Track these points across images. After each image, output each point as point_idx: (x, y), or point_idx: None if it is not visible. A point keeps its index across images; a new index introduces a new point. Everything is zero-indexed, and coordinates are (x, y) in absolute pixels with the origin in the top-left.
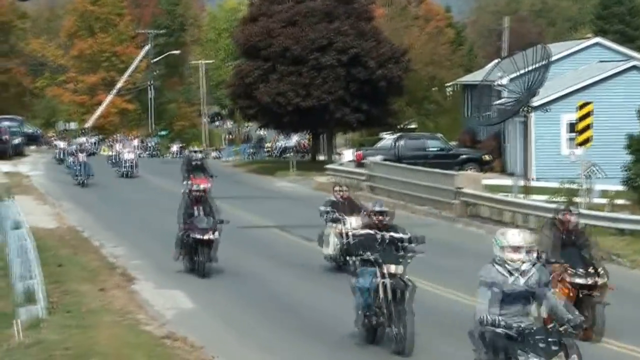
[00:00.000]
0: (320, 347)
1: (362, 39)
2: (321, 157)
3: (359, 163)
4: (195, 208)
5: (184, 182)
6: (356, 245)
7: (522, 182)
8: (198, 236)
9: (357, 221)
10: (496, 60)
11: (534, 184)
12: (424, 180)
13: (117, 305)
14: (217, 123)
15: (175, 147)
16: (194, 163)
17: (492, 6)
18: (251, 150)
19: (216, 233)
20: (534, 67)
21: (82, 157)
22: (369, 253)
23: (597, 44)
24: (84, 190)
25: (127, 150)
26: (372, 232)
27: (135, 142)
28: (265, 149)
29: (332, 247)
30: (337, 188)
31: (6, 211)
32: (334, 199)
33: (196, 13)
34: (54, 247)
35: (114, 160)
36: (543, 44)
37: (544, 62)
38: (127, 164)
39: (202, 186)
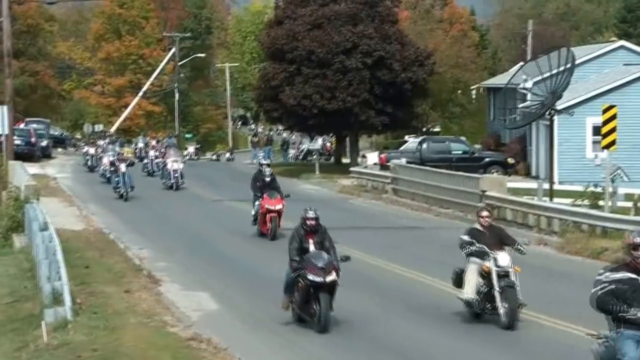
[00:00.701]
0: (344, 347)
1: (387, 41)
2: (345, 160)
3: (383, 166)
4: (309, 240)
5: (256, 203)
6: (609, 295)
7: (546, 185)
8: (316, 278)
9: (506, 257)
10: (520, 63)
11: (557, 187)
12: (448, 183)
13: (143, 307)
14: (252, 127)
15: (191, 149)
16: (266, 179)
17: (516, 9)
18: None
19: (338, 273)
20: (558, 70)
21: (122, 167)
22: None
23: (621, 47)
24: (125, 205)
25: (173, 158)
26: (633, 276)
27: (153, 143)
28: (289, 153)
29: (473, 289)
30: (484, 214)
31: (33, 213)
32: (478, 227)
33: (222, 16)
34: (81, 249)
35: (149, 169)
36: (567, 47)
37: (568, 65)
38: (174, 175)
39: (277, 207)
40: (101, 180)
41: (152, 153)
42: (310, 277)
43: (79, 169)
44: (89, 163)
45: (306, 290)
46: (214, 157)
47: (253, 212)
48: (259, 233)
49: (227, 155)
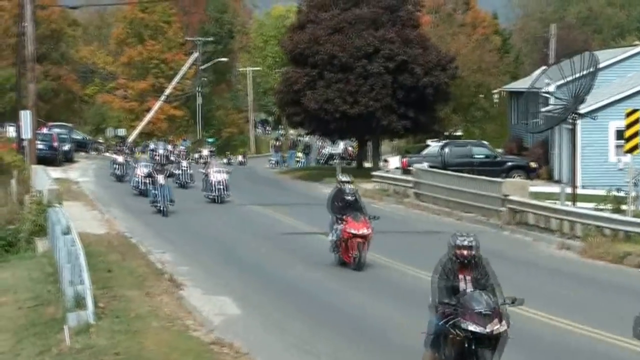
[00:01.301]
0: (368, 352)
1: (409, 46)
2: (367, 164)
3: (405, 170)
4: (462, 277)
5: (335, 227)
6: None
7: (569, 190)
8: (477, 329)
9: None
10: (543, 68)
11: (580, 191)
12: (470, 187)
13: (166, 311)
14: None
15: (205, 152)
16: (348, 199)
17: (538, 13)
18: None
19: (503, 323)
20: (581, 74)
21: (161, 179)
22: None
23: None
24: (165, 221)
25: (216, 169)
26: None
27: (169, 147)
28: (310, 158)
29: None
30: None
31: (56, 217)
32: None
33: (244, 20)
34: (103, 253)
35: (181, 181)
36: (590, 51)
37: (591, 69)
38: (217, 187)
39: (363, 231)
40: (133, 192)
41: (184, 164)
42: (471, 327)
43: (101, 174)
44: (118, 172)
45: (462, 344)
46: (225, 160)
47: (332, 238)
48: (340, 261)
49: (240, 158)
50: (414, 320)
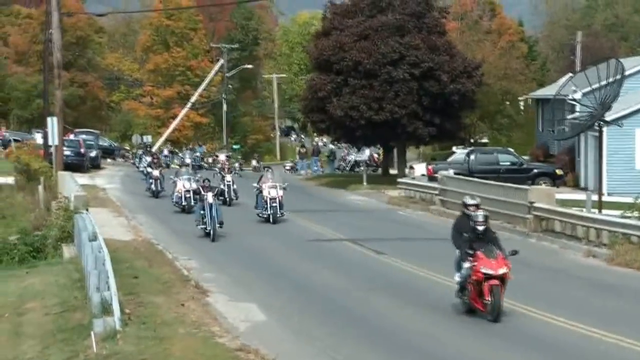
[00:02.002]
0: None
1: (435, 53)
2: (393, 171)
3: (430, 177)
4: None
5: (464, 264)
6: None
7: (595, 197)
8: (490, 271)
9: None
10: (569, 75)
11: (606, 198)
12: (497, 194)
13: (192, 318)
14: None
15: (222, 156)
16: (478, 229)
17: (564, 21)
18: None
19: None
20: (607, 81)
21: (210, 197)
22: None
23: None
24: (212, 245)
25: (270, 184)
26: None
27: (197, 154)
28: (335, 164)
29: None
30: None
31: (83, 223)
32: None
33: (269, 27)
34: (129, 259)
35: (225, 197)
36: (617, 59)
37: (617, 77)
38: (271, 204)
39: (500, 271)
40: (174, 210)
41: (228, 177)
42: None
43: (128, 181)
44: (154, 187)
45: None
46: (237, 165)
47: (457, 279)
48: (467, 308)
49: (254, 162)
50: (439, 325)
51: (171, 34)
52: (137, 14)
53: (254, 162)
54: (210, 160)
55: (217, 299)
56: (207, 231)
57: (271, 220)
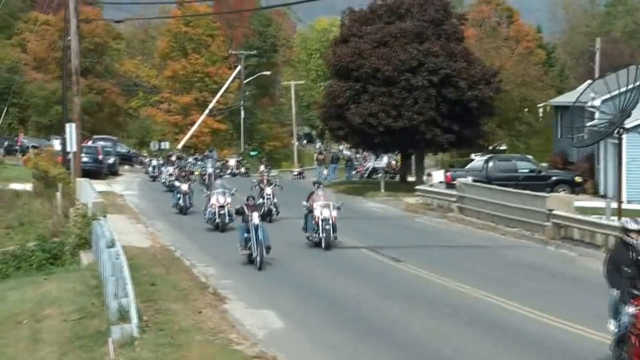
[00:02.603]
0: None
1: (453, 59)
2: (411, 178)
3: (448, 184)
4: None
5: (627, 310)
6: None
7: (614, 204)
8: None
9: None
10: (588, 82)
11: (626, 206)
12: (515, 202)
13: (209, 325)
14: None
15: (232, 161)
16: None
17: (583, 27)
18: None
19: None
20: (627, 88)
21: (255, 217)
22: None
23: None
24: (259, 275)
25: (322, 203)
26: None
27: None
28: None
29: None
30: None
31: (100, 230)
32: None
33: (287, 34)
34: (147, 266)
35: (266, 210)
36: (636, 65)
37: (637, 83)
38: (324, 227)
39: None
40: (207, 227)
41: (268, 190)
42: None
43: (146, 187)
44: (182, 203)
45: None
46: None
47: (614, 328)
48: None
49: (263, 167)
50: (457, 334)
51: (189, 41)
52: (155, 20)
53: (261, 167)
54: (218, 165)
55: (235, 306)
56: (252, 258)
57: (323, 245)
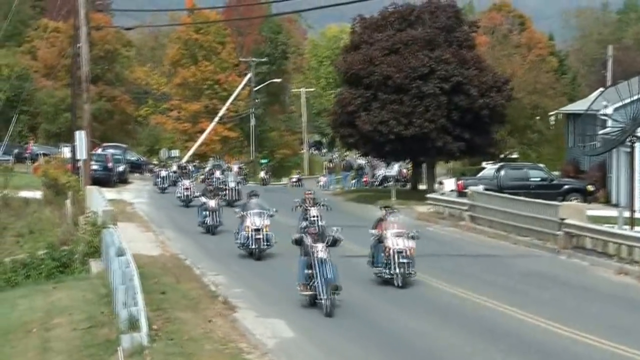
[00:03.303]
0: None
1: (464, 67)
2: (422, 186)
3: (460, 193)
4: None
5: None
6: None
7: (627, 213)
8: None
9: None
10: (600, 89)
11: (639, 215)
12: (527, 210)
13: (219, 334)
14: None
15: (235, 168)
16: None
17: (595, 34)
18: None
19: None
20: (639, 96)
21: (320, 250)
22: None
23: None
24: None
25: (395, 231)
26: None
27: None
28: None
29: None
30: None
31: (110, 238)
32: None
33: (298, 41)
34: (157, 275)
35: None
36: None
37: None
38: (398, 261)
39: None
40: (240, 253)
41: (314, 212)
42: None
43: (156, 195)
44: (209, 221)
45: None
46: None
47: None
48: None
49: (262, 174)
50: (474, 345)
51: (199, 48)
52: (166, 28)
53: (262, 174)
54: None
55: (245, 315)
56: (316, 300)
57: (399, 282)
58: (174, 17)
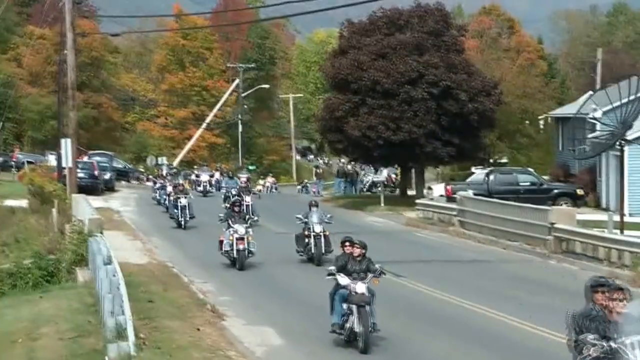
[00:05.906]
0: None
1: (453, 71)
2: (411, 192)
3: (449, 198)
4: None
5: None
6: None
7: (617, 217)
8: None
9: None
10: (590, 93)
11: (628, 219)
12: (516, 215)
13: (208, 342)
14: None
15: (217, 175)
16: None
17: (584, 38)
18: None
19: None
20: (628, 99)
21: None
22: None
23: None
24: None
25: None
26: None
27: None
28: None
29: None
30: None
31: (97, 247)
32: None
33: (285, 46)
34: (144, 283)
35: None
36: (638, 76)
37: (638, 94)
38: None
39: None
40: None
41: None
42: None
43: (143, 203)
44: (232, 254)
45: None
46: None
47: None
48: None
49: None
50: (466, 351)
51: (187, 54)
52: (153, 34)
53: (242, 178)
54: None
55: (233, 323)
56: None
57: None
58: (161, 23)
